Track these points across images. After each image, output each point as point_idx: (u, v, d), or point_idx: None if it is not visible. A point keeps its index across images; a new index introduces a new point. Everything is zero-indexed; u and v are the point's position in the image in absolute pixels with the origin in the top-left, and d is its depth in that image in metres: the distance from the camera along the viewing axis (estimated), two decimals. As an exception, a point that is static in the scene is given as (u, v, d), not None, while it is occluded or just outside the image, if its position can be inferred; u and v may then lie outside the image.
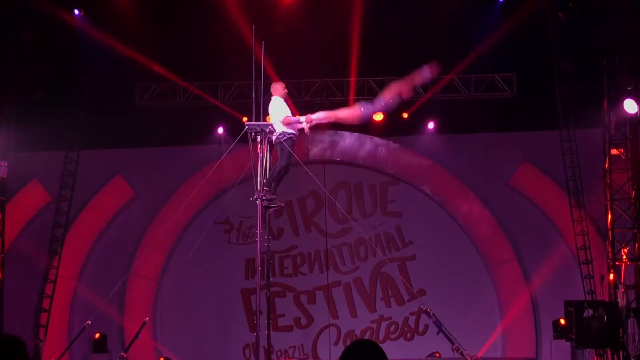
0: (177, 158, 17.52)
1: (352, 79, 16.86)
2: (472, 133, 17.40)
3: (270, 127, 11.14)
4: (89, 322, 13.38)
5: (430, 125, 17.52)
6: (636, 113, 14.86)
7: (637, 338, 14.04)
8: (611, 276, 15.21)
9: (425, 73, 11.48)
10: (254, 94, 11.03)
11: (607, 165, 15.59)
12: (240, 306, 17.43)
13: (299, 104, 15.21)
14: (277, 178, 11.36)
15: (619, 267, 15.20)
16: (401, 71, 16.74)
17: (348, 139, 17.73)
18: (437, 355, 15.80)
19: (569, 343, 15.16)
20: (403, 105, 17.16)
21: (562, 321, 14.92)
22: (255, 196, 11.01)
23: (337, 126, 17.51)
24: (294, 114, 11.58)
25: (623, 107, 14.83)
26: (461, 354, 12.49)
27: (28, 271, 16.93)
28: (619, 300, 14.61)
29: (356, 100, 17.06)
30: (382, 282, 17.54)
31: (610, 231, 15.47)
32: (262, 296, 11.47)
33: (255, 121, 11.11)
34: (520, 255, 17.05)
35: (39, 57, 16.11)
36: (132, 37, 15.89)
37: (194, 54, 16.45)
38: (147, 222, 17.31)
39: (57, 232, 16.95)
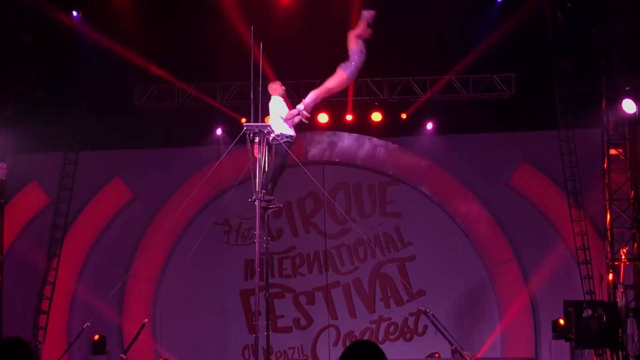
0: (176, 159, 17.51)
1: (351, 79, 16.83)
2: (470, 133, 17.40)
3: (268, 127, 11.13)
4: (88, 324, 13.39)
5: (429, 125, 17.53)
6: (635, 113, 14.86)
7: (636, 338, 14.04)
8: (610, 276, 15.21)
9: (366, 15, 11.42)
10: (252, 95, 11.02)
11: (605, 165, 15.59)
12: (239, 307, 17.43)
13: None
14: (272, 179, 11.35)
15: (618, 267, 15.20)
16: (400, 72, 16.90)
17: (347, 140, 17.74)
18: (437, 355, 15.79)
19: (568, 343, 15.15)
20: (402, 105, 17.29)
21: (562, 321, 14.93)
22: (253, 197, 11.00)
23: (337, 127, 17.58)
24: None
25: (621, 107, 14.83)
26: (460, 354, 12.50)
27: (27, 273, 16.93)
28: (618, 300, 14.61)
29: (355, 102, 17.16)
30: (382, 283, 17.54)
31: (609, 231, 15.47)
32: (261, 297, 11.46)
33: (254, 122, 11.10)
34: (519, 256, 17.04)
35: (38, 59, 16.10)
36: (130, 38, 15.87)
37: (192, 55, 16.44)
38: (146, 224, 17.31)
39: (56, 233, 16.95)
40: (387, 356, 4.35)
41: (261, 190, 11.05)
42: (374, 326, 17.43)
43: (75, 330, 15.64)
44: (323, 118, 17.38)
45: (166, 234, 16.61)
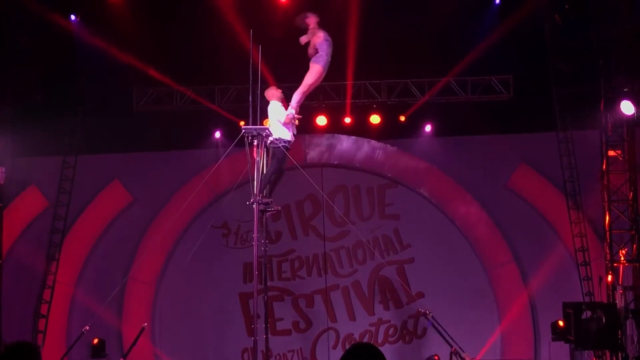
0: (175, 162, 17.51)
1: (349, 82, 16.87)
2: (469, 135, 17.41)
3: (267, 130, 11.14)
4: (87, 328, 13.38)
5: (428, 128, 17.53)
6: (633, 114, 14.87)
7: (635, 339, 14.03)
8: (609, 277, 15.21)
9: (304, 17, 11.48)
10: (251, 98, 11.02)
11: (604, 166, 15.59)
12: (238, 310, 17.42)
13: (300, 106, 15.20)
14: (269, 182, 11.35)
15: (617, 268, 15.20)
16: (398, 74, 16.92)
17: (345, 143, 17.74)
18: (436, 358, 15.76)
19: (567, 345, 15.16)
20: (400, 108, 17.30)
21: (561, 323, 14.92)
22: (251, 200, 11.00)
23: (335, 129, 17.58)
24: None
25: (620, 108, 14.84)
26: (460, 356, 12.49)
27: (26, 277, 16.92)
28: (617, 301, 14.61)
29: (353, 104, 17.17)
30: (381, 285, 17.54)
31: (608, 232, 15.46)
32: (260, 300, 11.46)
33: (253, 125, 11.11)
34: (518, 257, 17.05)
35: (37, 62, 16.11)
36: (129, 41, 15.89)
37: (191, 58, 16.46)
38: (145, 227, 17.31)
39: (55, 237, 16.95)
40: (387, 359, 4.35)
41: (259, 193, 11.05)
42: (373, 329, 17.42)
43: (75, 333, 15.63)
44: (322, 121, 17.39)
45: (165, 237, 16.61)
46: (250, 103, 11.03)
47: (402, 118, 17.37)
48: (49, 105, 16.64)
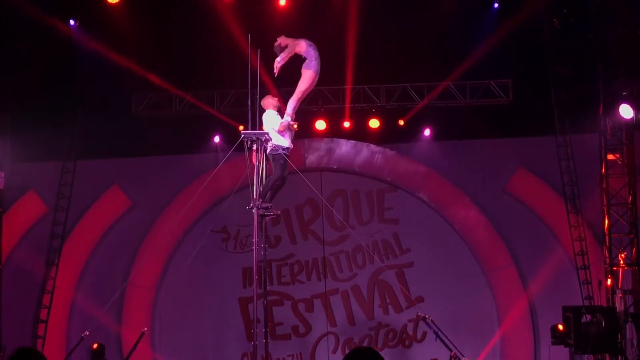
0: (174, 167, 17.51)
1: (348, 86, 16.88)
2: (468, 139, 17.42)
3: (266, 135, 11.15)
4: (87, 333, 13.39)
5: (427, 132, 17.54)
6: (632, 118, 14.89)
7: (635, 343, 14.04)
8: (609, 281, 15.21)
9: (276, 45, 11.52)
10: (250, 103, 11.03)
11: (603, 170, 15.59)
12: (238, 315, 17.42)
13: (295, 113, 15.19)
14: (271, 189, 11.36)
15: (617, 272, 15.20)
16: (397, 78, 16.92)
17: (344, 147, 17.75)
18: (436, 362, 15.78)
19: (567, 349, 15.14)
20: (399, 112, 17.31)
21: (560, 327, 14.91)
22: (251, 205, 11.00)
23: (334, 134, 17.59)
24: None
25: (619, 112, 14.85)
26: (460, 360, 12.49)
27: (25, 282, 16.92)
28: (616, 305, 14.62)
29: (352, 109, 17.17)
30: (380, 290, 17.54)
31: (607, 236, 15.47)
32: (260, 305, 11.45)
33: (252, 129, 11.11)
34: (518, 261, 17.05)
35: (36, 67, 16.12)
36: (127, 46, 15.89)
37: (190, 63, 16.46)
38: (144, 232, 17.31)
39: (55, 242, 16.94)
40: (386, 363, 4.34)
41: (259, 198, 11.05)
42: (372, 333, 17.41)
43: (74, 338, 15.62)
44: (321, 125, 17.40)
45: (164, 242, 16.61)
46: (250, 107, 11.03)
47: (401, 122, 17.38)
48: (48, 110, 16.64)
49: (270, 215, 11.47)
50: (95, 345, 16.26)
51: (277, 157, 11.29)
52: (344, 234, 17.35)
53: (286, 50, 11.40)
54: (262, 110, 11.43)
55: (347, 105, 17.09)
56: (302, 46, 11.37)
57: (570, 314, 14.29)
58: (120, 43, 15.90)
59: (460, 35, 16.02)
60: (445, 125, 17.34)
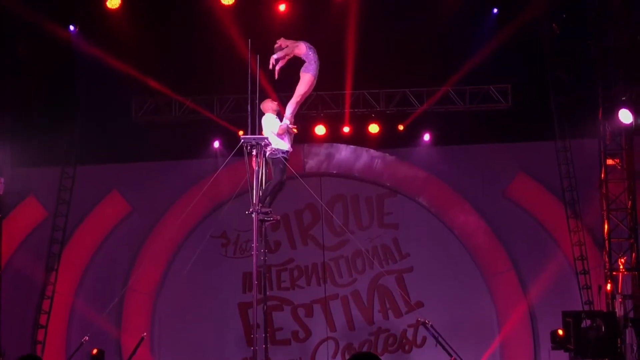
0: (174, 172, 17.51)
1: (348, 91, 16.89)
2: (467, 144, 17.43)
3: (265, 140, 11.15)
4: (87, 338, 13.39)
5: (426, 137, 17.55)
6: (631, 123, 14.91)
7: (635, 348, 14.03)
8: (608, 286, 15.21)
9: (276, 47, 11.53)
10: (249, 108, 11.04)
11: (603, 175, 15.60)
12: (237, 320, 17.40)
13: (295, 117, 15.21)
14: (271, 193, 11.35)
15: (616, 277, 15.20)
16: (397, 83, 16.95)
17: (344, 152, 17.76)
18: (436, 367, 15.77)
19: (567, 354, 15.13)
20: (398, 117, 17.32)
21: (560, 332, 14.90)
22: (250, 210, 11.00)
23: (334, 139, 17.60)
24: None
25: (618, 117, 14.87)
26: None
27: (25, 287, 16.92)
28: (616, 310, 14.62)
29: (352, 114, 17.18)
30: (380, 295, 17.53)
31: (607, 241, 15.46)
32: (260, 310, 11.45)
33: (251, 134, 11.12)
34: (517, 266, 17.04)
35: (35, 73, 16.13)
36: (127, 51, 15.91)
37: (189, 67, 16.48)
38: (143, 237, 17.30)
39: (54, 247, 16.93)
40: (386, 368, 4.35)
41: (259, 203, 11.05)
42: (372, 338, 17.40)
43: (74, 344, 15.60)
44: (320, 130, 17.41)
45: (164, 247, 16.60)
46: (249, 112, 11.04)
47: (401, 127, 17.39)
48: (47, 115, 16.65)
49: (270, 220, 11.47)
50: (94, 351, 16.23)
51: (277, 162, 11.28)
52: (344, 239, 17.34)
53: (284, 50, 11.42)
54: (262, 114, 11.44)
55: (347, 110, 17.10)
56: (302, 49, 11.40)
57: (570, 319, 14.29)
58: (119, 48, 15.91)
59: (459, 40, 16.05)
60: (444, 130, 17.35)
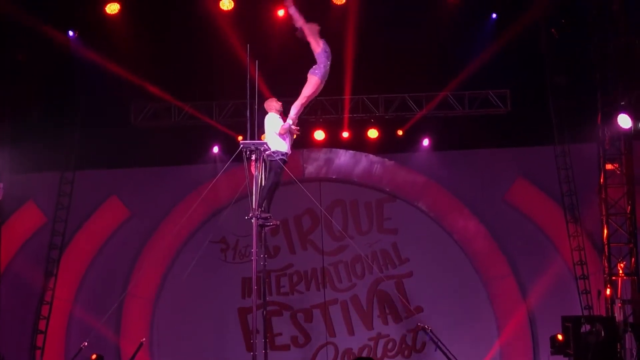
0: (173, 178, 17.51)
1: (347, 96, 16.90)
2: (467, 149, 17.44)
3: (265, 145, 11.14)
4: (86, 344, 13.36)
5: (425, 142, 17.56)
6: (630, 128, 14.92)
7: (634, 353, 14.02)
8: (608, 291, 15.21)
9: (289, 12, 11.52)
10: (248, 113, 11.04)
11: (602, 180, 15.60)
12: (237, 325, 17.39)
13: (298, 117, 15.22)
14: (267, 196, 11.34)
15: (616, 281, 15.20)
16: (396, 88, 16.96)
17: (343, 157, 17.76)
18: (435, 372, 15.77)
19: (566, 359, 15.12)
20: (398, 122, 17.33)
21: (560, 337, 14.88)
22: (250, 215, 10.99)
23: (333, 144, 17.61)
24: None
25: (617, 121, 14.88)
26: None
27: (24, 293, 16.90)
28: (616, 315, 14.61)
29: (351, 119, 17.18)
30: (379, 300, 17.52)
31: (606, 246, 15.46)
32: (259, 315, 11.43)
33: (251, 140, 11.11)
34: (517, 271, 17.04)
35: (34, 78, 16.14)
36: (126, 57, 15.92)
37: (188, 73, 16.49)
38: (143, 243, 17.30)
39: (53, 253, 16.93)
40: (386, 373, 4.35)
41: (258, 207, 11.04)
42: (372, 343, 17.39)
43: (73, 349, 15.59)
44: (319, 135, 17.42)
45: (163, 253, 16.60)
46: (248, 118, 11.03)
47: (400, 132, 17.40)
48: (46, 121, 16.67)
49: (270, 225, 11.46)
50: (93, 356, 16.17)
51: (274, 164, 11.26)
52: (343, 244, 17.34)
53: (306, 29, 11.34)
54: (262, 119, 11.42)
55: (346, 115, 17.11)
56: (319, 47, 11.35)
57: (570, 324, 14.28)
58: (118, 54, 15.93)
59: (458, 45, 16.06)
60: (443, 135, 17.36)
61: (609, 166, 15.56)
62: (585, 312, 15.79)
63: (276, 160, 11.24)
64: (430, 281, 17.19)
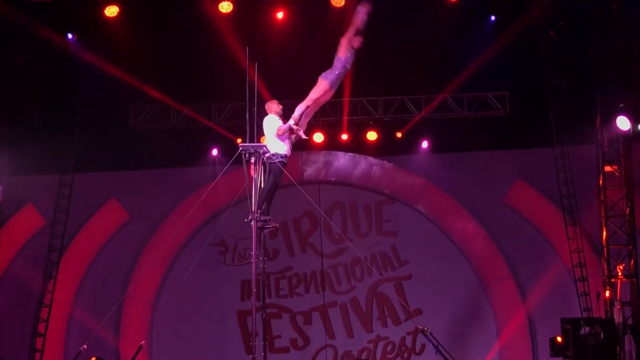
0: (172, 180, 17.51)
1: (346, 99, 16.90)
2: (466, 151, 17.44)
3: (264, 148, 11.13)
4: (85, 346, 13.37)
5: (424, 144, 17.57)
6: (629, 130, 14.93)
7: (634, 355, 14.02)
8: (607, 293, 15.21)
9: (361, 14, 11.46)
10: (247, 115, 11.03)
11: (601, 182, 15.61)
12: (236, 328, 17.38)
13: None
14: (267, 198, 11.33)
15: (615, 283, 15.20)
16: (395, 91, 16.96)
17: (342, 159, 17.76)
18: (435, 374, 15.77)
19: (566, 361, 15.14)
20: (397, 124, 17.33)
21: (559, 339, 14.89)
22: (249, 217, 10.99)
23: (332, 146, 17.61)
24: None
25: (616, 123, 14.88)
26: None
27: (23, 295, 16.89)
28: (615, 317, 14.61)
29: (350, 121, 17.18)
30: (379, 302, 17.52)
31: (605, 248, 15.47)
32: (258, 318, 11.42)
33: (250, 142, 11.10)
34: (516, 273, 17.04)
35: (33, 81, 16.14)
36: (125, 59, 15.93)
37: (187, 75, 16.49)
38: (142, 245, 17.29)
39: (52, 255, 16.92)
40: (385, 376, 4.35)
41: (257, 210, 11.04)
42: (371, 345, 17.38)
43: (72, 352, 15.58)
44: (318, 138, 17.42)
45: (162, 255, 16.58)
46: (247, 120, 11.02)
47: (399, 134, 17.41)
48: (46, 123, 16.66)
49: (269, 227, 11.45)
50: (93, 359, 16.21)
51: (273, 167, 11.25)
52: (342, 247, 17.35)
53: (350, 35, 11.32)
54: (261, 122, 11.41)
55: (345, 117, 17.11)
56: (342, 53, 11.32)
57: (569, 326, 14.28)
58: (117, 56, 15.94)
59: (457, 47, 16.06)
60: (442, 137, 17.37)
61: (607, 168, 15.57)
62: (585, 314, 15.79)
63: (275, 162, 11.23)
64: (430, 283, 17.19)
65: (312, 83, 15.92)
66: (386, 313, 17.47)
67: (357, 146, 17.59)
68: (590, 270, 16.13)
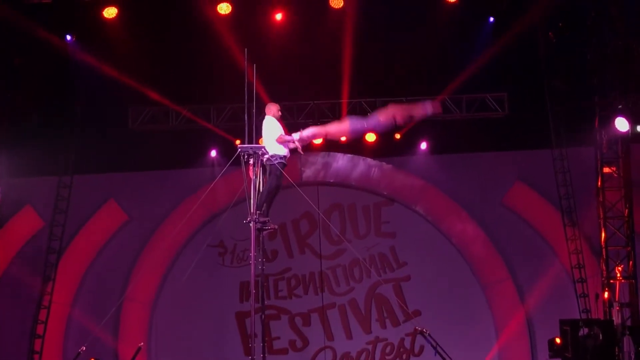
0: (171, 181, 17.51)
1: (344, 100, 16.90)
2: (464, 153, 17.44)
3: (263, 149, 11.14)
4: (84, 348, 13.33)
5: (423, 145, 17.57)
6: (627, 131, 14.93)
7: (632, 356, 14.02)
8: (606, 294, 15.22)
9: (426, 108, 11.46)
10: (246, 117, 11.03)
11: (599, 183, 15.62)
12: (235, 329, 17.38)
13: (292, 126, 15.13)
14: (267, 199, 11.33)
15: (614, 285, 15.21)
16: (393, 92, 16.96)
17: (341, 161, 17.76)
18: (433, 375, 15.74)
19: (565, 362, 15.14)
20: (393, 128, 17.31)
21: (558, 340, 14.89)
22: (248, 219, 10.98)
23: (331, 147, 17.60)
24: (286, 134, 11.58)
25: (614, 125, 14.89)
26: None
27: (22, 297, 16.89)
28: (614, 318, 14.61)
29: (349, 121, 17.15)
30: (377, 303, 17.52)
31: (604, 249, 15.48)
32: (257, 319, 11.41)
33: (248, 144, 11.10)
34: (515, 274, 17.05)
35: (32, 83, 16.14)
36: (124, 61, 15.93)
37: (186, 77, 16.49)
38: (140, 247, 17.29)
39: (51, 257, 16.91)
40: (384, 377, 4.35)
41: (256, 211, 11.04)
42: (370, 347, 17.38)
43: (71, 354, 15.57)
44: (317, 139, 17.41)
45: (161, 257, 16.58)
46: (246, 122, 11.03)
47: (398, 136, 17.39)
48: (44, 125, 16.66)
49: (268, 229, 11.45)
50: (91, 361, 16.23)
51: (273, 168, 11.25)
52: (341, 248, 17.35)
53: (403, 113, 11.31)
54: (260, 123, 11.42)
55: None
56: (383, 117, 11.33)
57: (568, 327, 14.27)
58: (116, 58, 15.94)
59: (456, 49, 16.07)
60: (441, 139, 17.37)
61: (606, 169, 15.58)
62: (583, 316, 15.80)
63: (274, 164, 11.23)
64: (428, 285, 17.19)
65: (311, 84, 16.00)
66: (385, 314, 17.48)
67: (356, 147, 17.58)
68: (589, 271, 16.13)
